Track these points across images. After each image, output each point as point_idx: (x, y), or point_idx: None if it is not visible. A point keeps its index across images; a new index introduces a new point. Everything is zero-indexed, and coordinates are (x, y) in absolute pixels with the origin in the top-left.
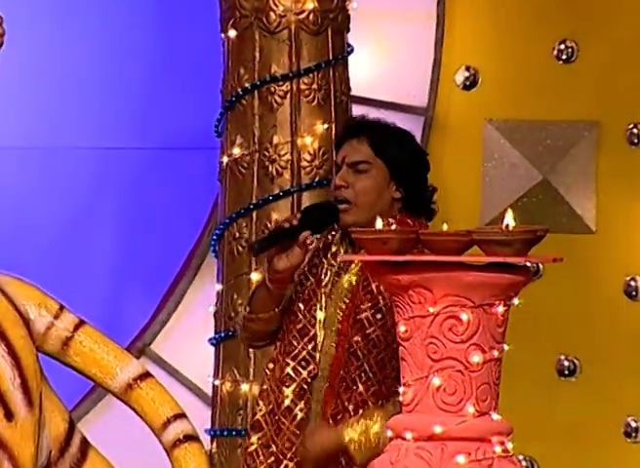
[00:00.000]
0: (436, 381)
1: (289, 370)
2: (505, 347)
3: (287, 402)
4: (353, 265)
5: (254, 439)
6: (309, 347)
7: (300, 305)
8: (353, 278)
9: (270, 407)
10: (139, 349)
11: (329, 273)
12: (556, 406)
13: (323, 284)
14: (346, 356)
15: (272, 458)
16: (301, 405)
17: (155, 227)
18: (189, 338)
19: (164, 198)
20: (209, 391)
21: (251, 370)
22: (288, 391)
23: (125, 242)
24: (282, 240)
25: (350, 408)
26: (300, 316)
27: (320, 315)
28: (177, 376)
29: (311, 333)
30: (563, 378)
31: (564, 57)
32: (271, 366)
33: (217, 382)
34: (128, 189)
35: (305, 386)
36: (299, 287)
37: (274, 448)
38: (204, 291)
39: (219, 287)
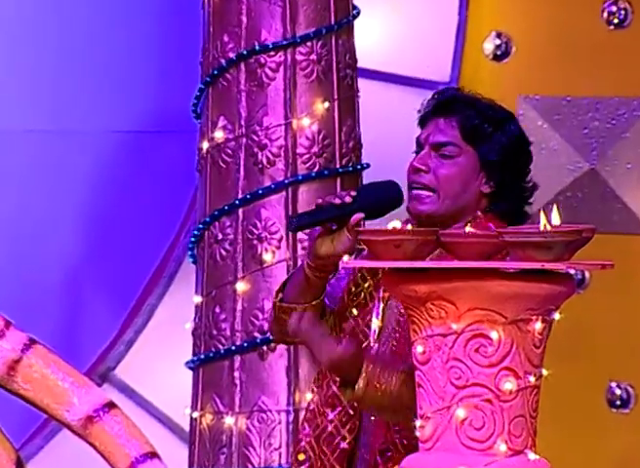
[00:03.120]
0: (460, 413)
1: (335, 388)
2: (544, 372)
3: (330, 427)
4: None
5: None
6: None
7: (354, 311)
8: None
9: (317, 432)
10: (100, 374)
11: None
12: (606, 443)
13: (383, 288)
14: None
15: None
16: (345, 433)
17: (122, 227)
18: (162, 362)
19: (133, 191)
20: (186, 425)
21: (237, 400)
22: (332, 415)
23: (86, 243)
24: (329, 219)
25: (401, 442)
26: (353, 324)
27: (375, 325)
28: (147, 407)
29: (363, 346)
30: (614, 410)
31: (615, 20)
32: (318, 381)
33: (195, 414)
34: (90, 180)
35: (352, 411)
36: (353, 287)
37: None
38: (180, 304)
39: (197, 299)
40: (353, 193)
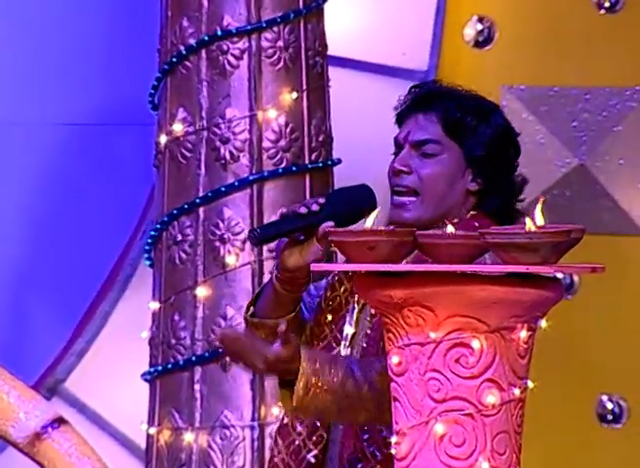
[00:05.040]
0: (439, 429)
1: None
2: (530, 384)
3: (298, 440)
4: None
5: None
6: None
7: (329, 316)
8: None
9: (288, 446)
10: (49, 387)
11: None
12: (596, 461)
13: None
14: None
15: None
16: (311, 445)
17: (72, 227)
18: (116, 373)
19: (84, 190)
20: (142, 442)
21: (197, 415)
22: (300, 427)
23: (33, 246)
24: (295, 229)
25: (370, 451)
26: (327, 330)
27: (348, 330)
28: (99, 423)
29: (334, 353)
30: (605, 425)
31: (606, 4)
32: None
33: (152, 430)
34: (36, 177)
35: (319, 422)
36: (329, 292)
37: None
38: (135, 310)
39: (154, 305)
40: (321, 200)
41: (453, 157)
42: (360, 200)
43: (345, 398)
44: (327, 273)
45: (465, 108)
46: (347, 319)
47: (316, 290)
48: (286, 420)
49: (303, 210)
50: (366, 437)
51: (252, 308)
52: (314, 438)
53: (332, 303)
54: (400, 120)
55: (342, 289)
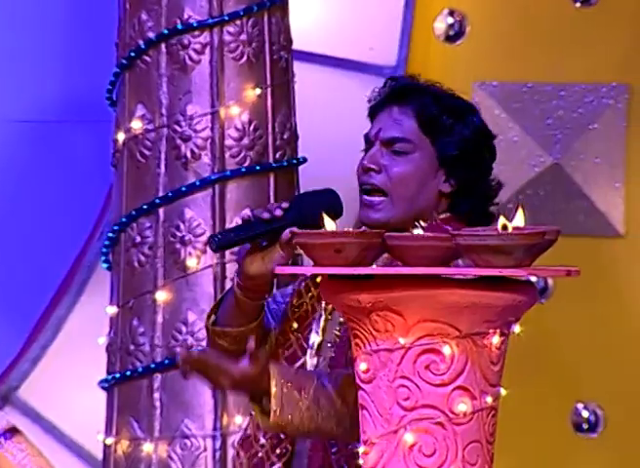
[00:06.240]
0: (409, 438)
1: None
2: (502, 392)
3: (261, 452)
4: None
5: None
6: None
7: (294, 324)
8: None
9: (251, 459)
10: (2, 395)
11: None
12: None
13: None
14: None
15: None
16: (274, 458)
17: (26, 228)
18: (71, 381)
19: (38, 189)
20: (98, 453)
21: (156, 424)
22: (264, 439)
23: None
24: (257, 235)
25: (339, 465)
26: (292, 338)
27: (315, 338)
28: (54, 433)
29: (300, 362)
30: (581, 434)
31: None
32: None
33: (109, 441)
34: None
35: (283, 434)
36: (296, 299)
37: None
38: (92, 315)
39: (112, 310)
40: (285, 205)
41: (425, 156)
42: (325, 205)
43: (320, 413)
44: (293, 279)
45: (442, 105)
46: (314, 327)
47: (282, 296)
48: (249, 431)
49: (266, 215)
50: (334, 450)
51: (213, 316)
52: (278, 450)
53: (298, 310)
54: (373, 114)
55: (309, 295)
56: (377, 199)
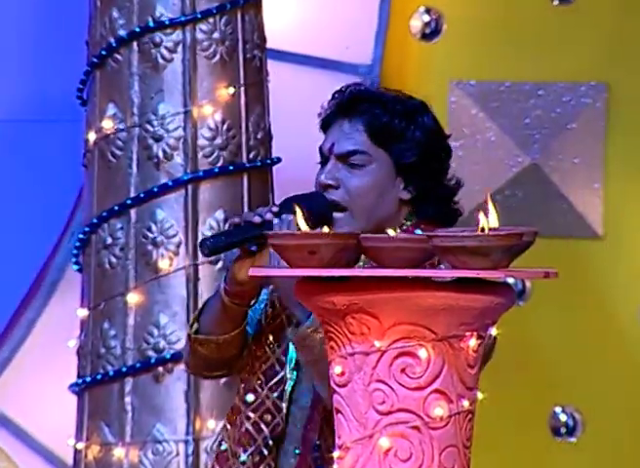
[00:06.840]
0: (384, 443)
1: (248, 425)
2: (479, 396)
3: None
4: None
5: None
6: (274, 395)
7: (270, 337)
8: None
9: None
10: None
11: None
12: None
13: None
14: (324, 415)
15: None
16: None
17: None
18: (41, 385)
19: (7, 189)
20: (69, 458)
21: (128, 429)
22: (245, 455)
23: None
24: (247, 239)
25: None
26: (269, 351)
27: (293, 353)
28: (23, 438)
29: (279, 376)
30: (559, 438)
31: None
32: (231, 416)
33: (80, 446)
34: None
35: (266, 451)
36: (270, 309)
37: None
38: (62, 318)
39: (83, 313)
40: (275, 209)
41: (382, 167)
42: (315, 208)
43: None
44: (266, 284)
45: (392, 112)
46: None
47: (257, 303)
48: (224, 446)
49: (257, 219)
50: (320, 464)
51: (196, 324)
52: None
53: (272, 322)
54: (325, 127)
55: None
56: (338, 215)
